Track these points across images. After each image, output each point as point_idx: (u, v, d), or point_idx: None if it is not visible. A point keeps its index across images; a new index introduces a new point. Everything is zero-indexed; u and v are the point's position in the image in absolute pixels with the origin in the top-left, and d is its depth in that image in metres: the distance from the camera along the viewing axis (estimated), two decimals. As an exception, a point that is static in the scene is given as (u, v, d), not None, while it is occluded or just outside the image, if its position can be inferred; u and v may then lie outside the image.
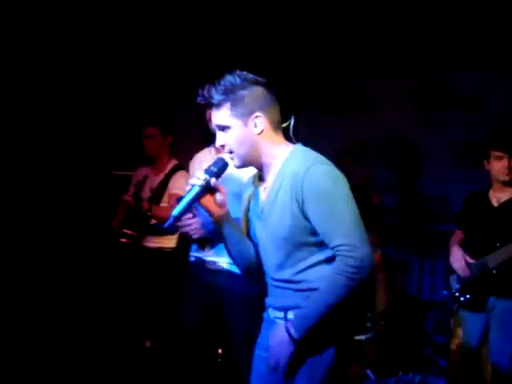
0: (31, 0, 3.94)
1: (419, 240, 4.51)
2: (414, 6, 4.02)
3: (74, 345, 3.78)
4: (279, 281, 2.01)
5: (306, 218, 1.87)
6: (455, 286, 2.98)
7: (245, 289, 2.61)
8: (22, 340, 3.74)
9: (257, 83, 1.96)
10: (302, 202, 1.86)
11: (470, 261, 2.89)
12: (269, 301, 2.10)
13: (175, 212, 1.91)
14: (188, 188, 1.95)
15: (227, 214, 2.02)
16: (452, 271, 2.99)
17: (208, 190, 1.95)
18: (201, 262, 2.82)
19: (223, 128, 1.97)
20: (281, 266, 1.98)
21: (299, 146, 2.01)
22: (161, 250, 3.63)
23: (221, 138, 1.99)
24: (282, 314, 2.00)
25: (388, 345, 3.71)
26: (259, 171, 2.05)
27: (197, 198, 1.94)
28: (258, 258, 2.12)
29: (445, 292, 3.12)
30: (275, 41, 4.52)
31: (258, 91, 1.96)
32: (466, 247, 2.94)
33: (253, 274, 2.18)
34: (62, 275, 4.20)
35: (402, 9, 4.10)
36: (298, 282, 1.95)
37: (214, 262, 2.77)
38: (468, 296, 2.91)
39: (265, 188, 2.03)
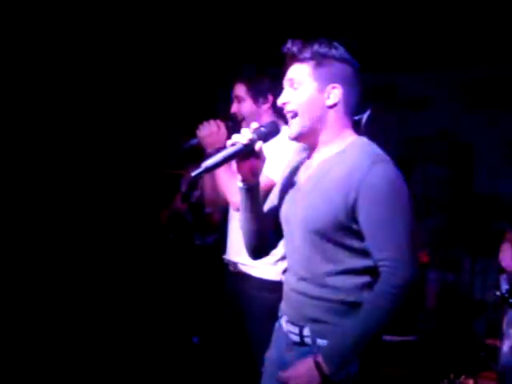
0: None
1: (471, 239, 4.41)
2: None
3: (122, 339, 3.85)
4: (301, 279, 1.78)
5: (352, 218, 1.66)
6: (505, 286, 2.91)
7: (264, 294, 2.54)
8: (67, 332, 3.83)
9: (348, 62, 1.81)
10: (355, 200, 1.65)
11: None
12: (284, 308, 1.89)
13: (208, 163, 1.72)
14: (229, 143, 1.77)
15: (257, 185, 1.84)
16: (503, 271, 2.92)
17: (249, 152, 1.76)
18: (226, 265, 2.77)
19: (294, 84, 1.79)
20: (307, 262, 1.77)
21: (364, 139, 1.81)
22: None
23: (287, 94, 1.81)
24: (297, 330, 1.78)
25: (438, 346, 3.65)
26: (309, 149, 1.86)
27: (234, 157, 1.76)
28: (272, 242, 1.95)
29: (497, 293, 3.03)
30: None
31: (346, 68, 1.80)
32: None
33: (260, 257, 2.01)
34: (114, 271, 4.28)
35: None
36: (324, 286, 1.73)
37: (234, 263, 2.71)
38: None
39: (308, 167, 1.85)
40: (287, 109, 1.81)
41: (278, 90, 2.59)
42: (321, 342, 1.74)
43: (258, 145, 1.76)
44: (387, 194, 1.65)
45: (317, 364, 1.64)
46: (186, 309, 3.76)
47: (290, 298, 1.84)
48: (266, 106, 2.67)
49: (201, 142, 2.62)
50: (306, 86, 1.78)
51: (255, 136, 1.77)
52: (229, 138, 2.54)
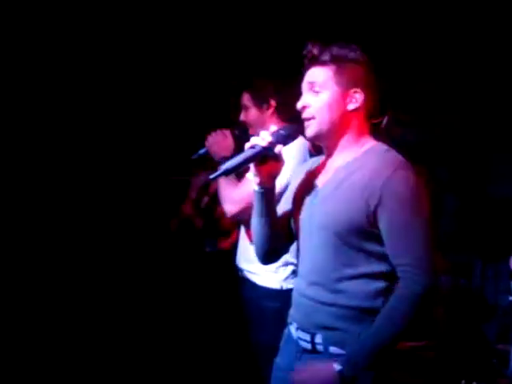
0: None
1: (482, 243, 4.37)
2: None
3: (131, 344, 3.86)
4: (312, 285, 1.76)
5: (373, 223, 1.67)
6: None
7: (265, 302, 2.56)
8: (72, 338, 3.88)
9: (367, 65, 1.81)
10: (377, 205, 1.65)
11: None
12: (294, 315, 1.85)
13: (226, 165, 1.71)
14: (248, 146, 1.76)
15: (273, 189, 1.82)
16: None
17: (269, 155, 1.74)
18: (236, 270, 2.80)
19: (315, 87, 1.77)
20: (321, 267, 1.74)
21: (384, 145, 1.82)
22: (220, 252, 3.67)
23: (307, 98, 1.79)
24: (308, 337, 1.77)
25: (449, 352, 3.62)
26: (325, 151, 1.85)
27: (253, 160, 1.74)
28: (283, 247, 1.94)
29: (510, 298, 3.01)
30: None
31: (366, 71, 1.80)
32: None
33: (270, 262, 1.99)
34: (122, 278, 4.30)
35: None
36: (338, 291, 1.71)
37: (241, 270, 2.73)
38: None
39: (326, 171, 1.83)
40: (306, 113, 1.79)
41: (281, 94, 2.67)
42: (333, 349, 1.72)
43: (278, 148, 1.74)
44: (409, 200, 1.65)
45: (335, 372, 1.62)
46: (193, 315, 3.77)
47: (300, 305, 1.82)
48: (269, 112, 2.72)
49: (209, 151, 2.72)
50: (327, 91, 1.76)
51: (274, 139, 1.74)
52: (236, 146, 2.66)
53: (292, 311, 1.89)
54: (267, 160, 1.75)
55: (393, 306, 1.64)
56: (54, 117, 4.26)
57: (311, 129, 1.78)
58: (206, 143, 2.73)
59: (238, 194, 2.53)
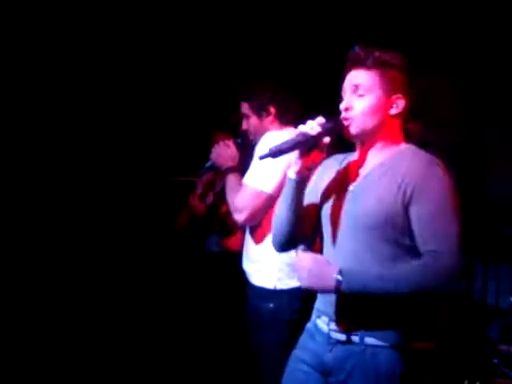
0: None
1: (483, 244, 4.39)
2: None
3: (133, 346, 3.86)
4: None
5: (405, 216, 1.71)
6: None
7: (261, 302, 2.56)
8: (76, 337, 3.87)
9: (406, 72, 1.86)
10: (411, 196, 1.71)
11: None
12: (323, 309, 1.87)
13: (275, 147, 1.76)
14: (296, 133, 1.79)
15: (308, 179, 1.87)
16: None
17: (313, 146, 1.79)
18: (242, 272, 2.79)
19: (359, 90, 1.81)
20: (358, 261, 1.75)
21: (415, 147, 1.87)
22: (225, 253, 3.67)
23: (351, 100, 1.82)
24: (343, 336, 1.78)
25: (452, 352, 3.64)
26: (359, 149, 1.89)
27: (301, 147, 1.77)
28: (301, 239, 1.95)
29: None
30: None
31: (405, 78, 1.85)
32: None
33: (285, 250, 2.02)
34: (125, 279, 4.29)
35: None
36: None
37: (245, 272, 2.73)
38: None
39: (360, 167, 1.87)
40: (349, 114, 1.82)
41: (280, 100, 2.69)
42: (369, 339, 1.75)
43: (326, 139, 1.78)
44: (442, 192, 1.72)
45: (334, 278, 1.68)
46: (196, 316, 3.77)
47: (331, 299, 1.81)
48: (269, 119, 2.73)
49: (214, 162, 2.79)
50: (372, 94, 1.81)
51: (323, 130, 1.78)
52: (240, 154, 2.70)
53: (320, 305, 1.90)
54: (312, 149, 1.79)
55: (415, 271, 1.66)
56: (54, 117, 4.25)
57: (353, 128, 1.82)
58: (211, 155, 2.79)
59: (240, 202, 2.55)
